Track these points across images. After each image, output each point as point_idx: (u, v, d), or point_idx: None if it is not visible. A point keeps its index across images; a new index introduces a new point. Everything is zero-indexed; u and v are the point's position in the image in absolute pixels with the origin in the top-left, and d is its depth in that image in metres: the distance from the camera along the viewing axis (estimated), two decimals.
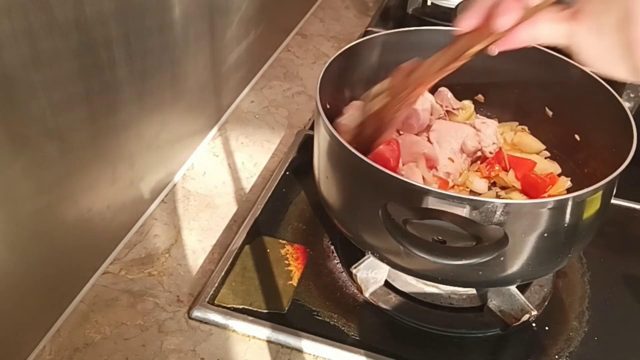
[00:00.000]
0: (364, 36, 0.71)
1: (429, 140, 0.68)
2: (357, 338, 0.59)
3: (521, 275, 0.56)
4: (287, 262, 0.66)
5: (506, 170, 0.68)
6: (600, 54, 0.36)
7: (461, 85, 0.74)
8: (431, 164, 0.65)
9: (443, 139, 0.67)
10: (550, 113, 0.70)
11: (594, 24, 0.36)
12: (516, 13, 0.40)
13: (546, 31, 0.39)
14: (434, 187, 0.49)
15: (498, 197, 0.67)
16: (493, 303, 0.61)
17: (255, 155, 0.83)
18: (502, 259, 0.52)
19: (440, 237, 0.47)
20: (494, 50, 0.43)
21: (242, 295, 0.62)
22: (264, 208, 0.72)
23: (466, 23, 0.44)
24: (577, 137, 0.66)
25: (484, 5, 0.43)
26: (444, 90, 0.73)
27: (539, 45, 0.42)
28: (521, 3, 0.40)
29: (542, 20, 0.39)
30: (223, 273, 0.64)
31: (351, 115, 0.64)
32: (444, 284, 0.60)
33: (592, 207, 0.53)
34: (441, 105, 0.72)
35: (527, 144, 0.71)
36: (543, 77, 0.69)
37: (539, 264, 0.54)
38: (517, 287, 0.60)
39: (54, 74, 0.51)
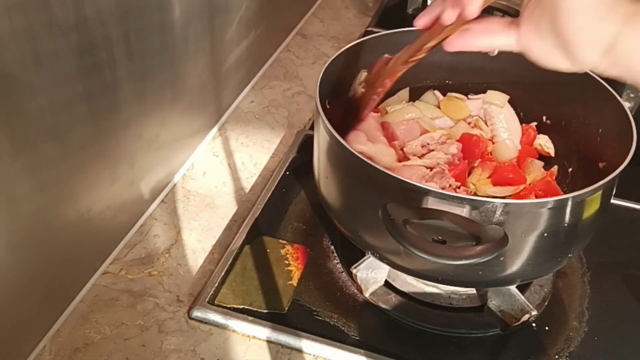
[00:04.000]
0: (364, 36, 0.71)
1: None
2: (357, 338, 0.59)
3: (521, 275, 0.56)
4: (287, 262, 0.66)
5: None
6: (545, 52, 0.41)
7: (460, 85, 0.74)
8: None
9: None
10: (548, 122, 0.71)
11: (534, 28, 0.41)
12: (457, 10, 0.45)
13: (500, 39, 0.44)
14: (435, 187, 0.49)
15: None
16: (493, 303, 0.61)
17: (255, 155, 0.83)
18: (502, 258, 0.52)
19: (440, 237, 0.47)
20: (450, 47, 0.47)
21: (242, 295, 0.62)
22: (264, 208, 0.72)
23: (420, 22, 0.50)
24: (577, 138, 0.66)
25: (437, 6, 0.48)
26: None
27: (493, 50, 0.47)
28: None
29: (495, 29, 0.44)
30: (223, 273, 0.64)
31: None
32: (444, 283, 0.60)
33: (592, 207, 0.53)
34: None
35: (456, 109, 0.72)
36: (543, 77, 0.68)
37: (539, 263, 0.54)
38: (517, 287, 0.60)
39: (54, 74, 0.51)
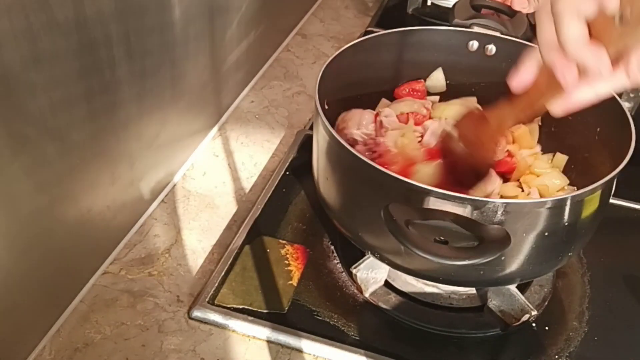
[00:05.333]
0: (364, 36, 0.71)
1: None
2: (357, 338, 0.59)
3: (522, 274, 0.56)
4: (287, 262, 0.66)
5: None
6: None
7: (460, 85, 0.74)
8: None
9: None
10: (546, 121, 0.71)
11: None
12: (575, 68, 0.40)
13: (606, 86, 0.40)
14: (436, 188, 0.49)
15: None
16: (493, 303, 0.61)
17: (255, 155, 0.83)
18: (503, 258, 0.52)
19: (442, 238, 0.47)
20: (556, 113, 0.42)
21: (242, 295, 0.62)
22: (264, 208, 0.72)
23: (518, 83, 0.44)
24: (576, 137, 0.66)
25: (533, 63, 0.43)
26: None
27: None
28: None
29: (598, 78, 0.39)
30: (223, 273, 0.64)
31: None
32: (444, 283, 0.60)
33: (591, 207, 0.53)
34: None
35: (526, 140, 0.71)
36: None
37: (539, 262, 0.54)
38: (517, 287, 0.60)
39: (54, 74, 0.51)
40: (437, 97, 0.74)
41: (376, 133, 0.68)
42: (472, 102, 0.72)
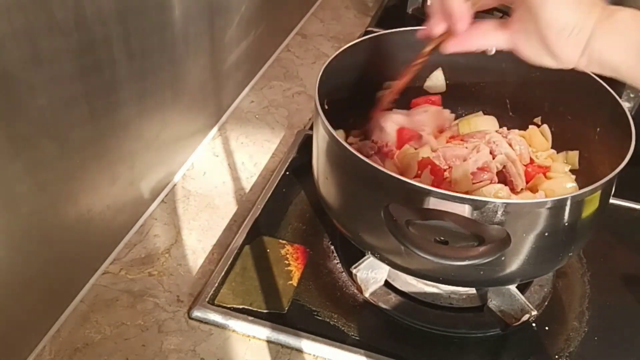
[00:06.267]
0: (364, 36, 0.71)
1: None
2: (357, 338, 0.59)
3: (522, 274, 0.56)
4: (287, 262, 0.66)
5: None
6: (532, 51, 0.45)
7: (459, 84, 0.74)
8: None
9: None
10: (546, 121, 0.70)
11: (522, 29, 0.45)
12: (468, 16, 0.48)
13: (493, 39, 0.48)
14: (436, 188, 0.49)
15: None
16: (493, 303, 0.61)
17: (255, 155, 0.83)
18: (503, 258, 0.52)
19: (442, 238, 0.47)
20: (447, 50, 0.50)
21: (242, 295, 0.62)
22: (264, 208, 0.72)
23: (421, 34, 0.53)
24: (576, 137, 0.66)
25: (440, 9, 0.49)
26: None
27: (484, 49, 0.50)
28: (468, 5, 0.48)
29: (489, 30, 0.48)
30: (223, 273, 0.64)
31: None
32: (444, 283, 0.60)
33: (591, 207, 0.53)
34: None
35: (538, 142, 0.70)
36: (542, 77, 0.69)
37: (540, 262, 0.54)
38: (517, 287, 0.60)
39: (54, 74, 0.51)
40: (452, 115, 0.75)
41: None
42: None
